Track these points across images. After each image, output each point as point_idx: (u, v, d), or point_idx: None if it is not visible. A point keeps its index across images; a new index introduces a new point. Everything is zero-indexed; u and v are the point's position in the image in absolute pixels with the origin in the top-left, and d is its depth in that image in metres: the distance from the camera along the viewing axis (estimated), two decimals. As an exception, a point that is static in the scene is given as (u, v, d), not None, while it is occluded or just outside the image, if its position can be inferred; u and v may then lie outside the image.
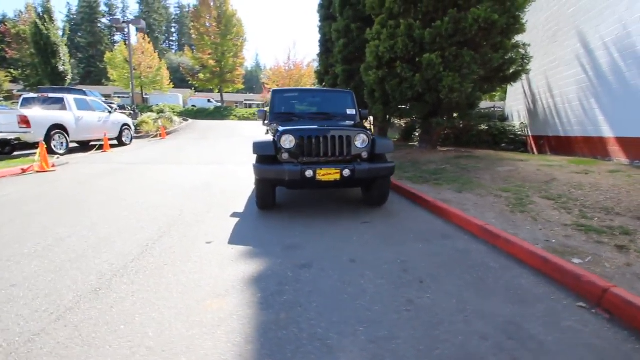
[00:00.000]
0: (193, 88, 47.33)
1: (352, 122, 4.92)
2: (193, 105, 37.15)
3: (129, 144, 12.58)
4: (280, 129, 4.00)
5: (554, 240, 2.97)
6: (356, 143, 4.01)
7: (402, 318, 2.00)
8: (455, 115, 8.62)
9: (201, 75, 35.82)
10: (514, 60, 7.53)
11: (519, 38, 7.78)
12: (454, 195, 4.75)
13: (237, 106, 42.26)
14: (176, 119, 19.14)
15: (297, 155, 3.92)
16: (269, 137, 4.46)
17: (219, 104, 38.18)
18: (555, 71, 8.57)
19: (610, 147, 6.27)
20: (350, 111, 5.26)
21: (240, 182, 6.12)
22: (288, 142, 3.90)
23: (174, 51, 77.65)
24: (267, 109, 5.63)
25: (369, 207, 4.48)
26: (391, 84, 8.10)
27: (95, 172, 6.95)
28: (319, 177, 3.75)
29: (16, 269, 2.63)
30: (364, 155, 4.05)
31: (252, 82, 75.30)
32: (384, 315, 2.03)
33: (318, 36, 15.45)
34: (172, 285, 2.40)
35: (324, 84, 15.21)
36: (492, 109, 18.17)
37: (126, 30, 19.79)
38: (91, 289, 2.33)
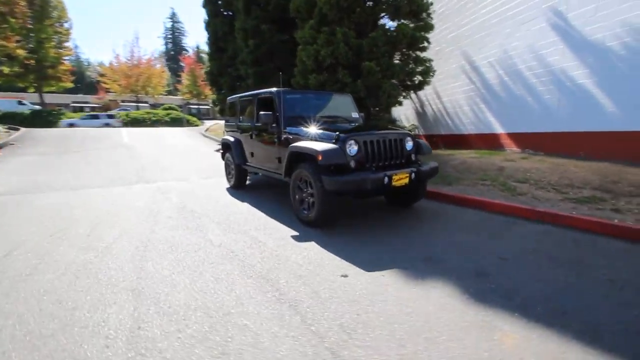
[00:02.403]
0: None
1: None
2: (-8, 109, 27.08)
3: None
4: (343, 135, 3.64)
5: (575, 212, 3.90)
6: (406, 145, 4.07)
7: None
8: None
9: (5, 69, 26.58)
10: (427, 71, 9.02)
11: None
12: (449, 188, 5.43)
13: (61, 109, 33.23)
14: (-6, 127, 13.55)
15: (362, 162, 3.67)
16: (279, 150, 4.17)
17: (38, 107, 29.23)
18: (442, 82, 10.70)
19: (503, 141, 8.42)
20: (355, 114, 5.21)
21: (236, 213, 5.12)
22: (353, 148, 3.61)
23: None
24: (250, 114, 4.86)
25: (396, 210, 4.59)
26: (332, 88, 8.32)
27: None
28: (394, 183, 3.64)
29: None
30: (413, 157, 4.16)
31: (75, 81, 60.76)
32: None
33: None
34: None
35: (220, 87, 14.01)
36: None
37: None
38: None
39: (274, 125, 4.54)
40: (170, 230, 3.74)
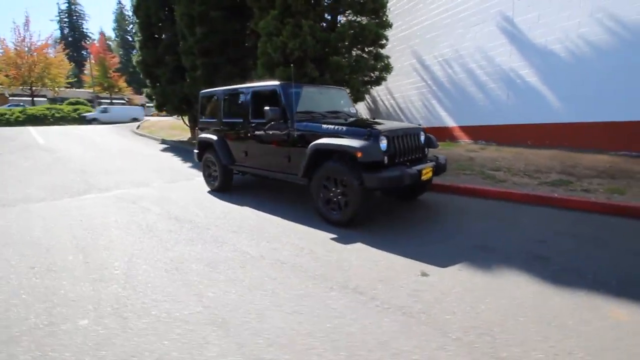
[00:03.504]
0: None
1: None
2: None
3: None
4: (375, 130, 3.54)
5: (557, 194, 4.47)
6: (421, 139, 4.16)
7: None
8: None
9: None
10: (386, 68, 9.35)
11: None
12: (438, 178, 5.74)
13: None
14: None
15: (392, 158, 3.64)
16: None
17: None
18: (394, 79, 11.18)
19: (456, 133, 9.21)
20: (352, 109, 5.13)
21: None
22: (384, 143, 3.55)
23: None
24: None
25: (400, 203, 4.66)
26: (301, 82, 8.06)
27: None
28: (423, 177, 3.68)
29: None
30: (426, 151, 4.26)
31: None
32: None
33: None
34: None
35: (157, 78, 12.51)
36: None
37: None
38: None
39: (281, 121, 4.20)
40: (188, 246, 3.22)
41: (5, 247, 3.22)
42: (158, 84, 13.18)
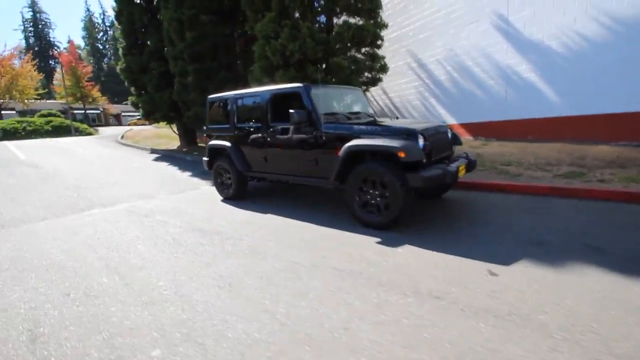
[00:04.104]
0: None
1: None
2: None
3: None
4: (413, 129, 3.47)
5: (575, 185, 4.56)
6: (449, 137, 4.14)
7: None
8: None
9: None
10: (383, 68, 9.37)
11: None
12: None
13: None
14: None
15: (429, 156, 3.58)
16: None
17: None
18: (388, 79, 11.23)
19: (456, 130, 9.29)
20: (370, 110, 5.05)
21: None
22: (422, 142, 3.49)
23: None
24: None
25: (425, 201, 4.66)
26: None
27: None
28: (459, 174, 3.65)
29: None
30: (453, 148, 4.24)
31: None
32: None
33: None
34: None
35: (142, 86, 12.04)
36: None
37: None
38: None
39: (306, 124, 4.07)
40: (229, 259, 3.02)
41: (25, 273, 2.92)
42: (144, 92, 12.71)
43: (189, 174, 8.04)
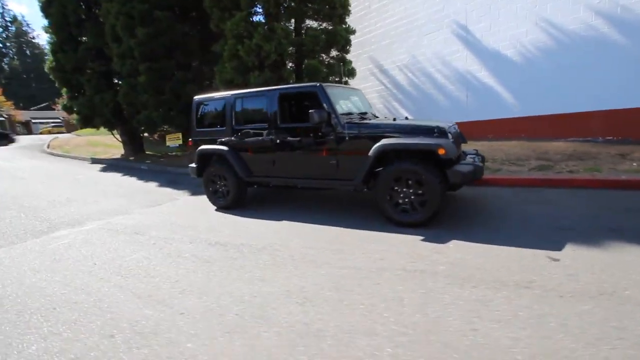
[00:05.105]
0: None
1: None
2: None
3: None
4: (441, 127, 3.54)
5: (579, 176, 5.12)
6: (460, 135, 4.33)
7: None
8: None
9: None
10: (352, 71, 9.55)
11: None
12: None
13: None
14: None
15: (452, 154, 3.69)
16: None
17: None
18: (352, 83, 11.51)
19: (420, 132, 9.86)
20: (371, 110, 5.06)
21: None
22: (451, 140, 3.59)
23: None
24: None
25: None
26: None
27: None
28: (481, 169, 3.82)
29: None
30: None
31: None
32: None
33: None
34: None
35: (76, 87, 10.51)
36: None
37: None
38: None
39: (327, 124, 3.91)
40: (279, 273, 2.73)
41: (35, 316, 2.28)
42: (78, 94, 11.14)
43: (156, 184, 7.21)
